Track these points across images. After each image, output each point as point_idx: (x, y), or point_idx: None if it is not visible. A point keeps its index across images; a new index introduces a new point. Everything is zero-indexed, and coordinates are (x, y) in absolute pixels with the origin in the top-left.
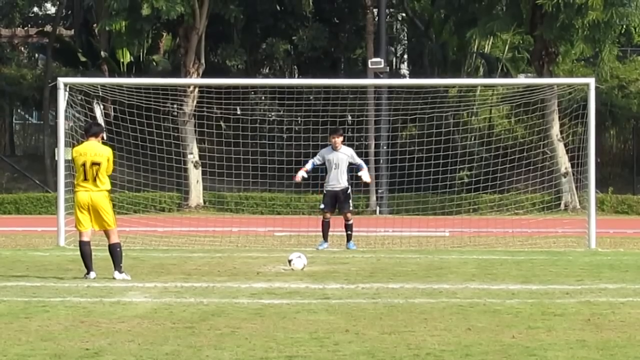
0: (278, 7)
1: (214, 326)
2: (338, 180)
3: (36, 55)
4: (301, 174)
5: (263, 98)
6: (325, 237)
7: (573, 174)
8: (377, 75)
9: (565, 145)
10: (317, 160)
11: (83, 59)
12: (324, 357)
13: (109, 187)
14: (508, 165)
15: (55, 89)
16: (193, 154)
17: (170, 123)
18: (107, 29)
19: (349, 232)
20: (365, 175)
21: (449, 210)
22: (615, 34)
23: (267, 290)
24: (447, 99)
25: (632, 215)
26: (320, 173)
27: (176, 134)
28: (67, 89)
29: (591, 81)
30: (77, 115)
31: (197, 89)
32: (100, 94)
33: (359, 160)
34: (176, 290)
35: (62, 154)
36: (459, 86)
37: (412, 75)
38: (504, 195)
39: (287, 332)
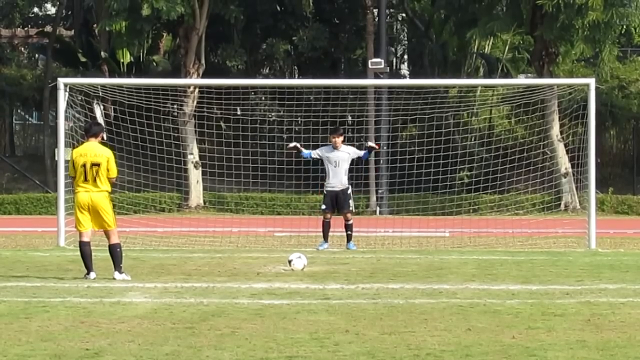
0: (278, 8)
1: (214, 326)
2: (338, 179)
3: (36, 55)
4: (297, 145)
5: (263, 98)
6: (325, 237)
7: (573, 174)
8: (377, 75)
9: (566, 145)
10: (314, 153)
11: (83, 59)
12: (324, 357)
13: (109, 188)
14: (508, 166)
15: (55, 89)
16: (193, 155)
17: (171, 123)
18: (107, 29)
19: (349, 233)
20: (370, 143)
21: (449, 211)
22: (615, 35)
23: (267, 291)
24: (447, 100)
25: (632, 215)
26: (320, 173)
27: (176, 135)
28: (67, 90)
29: (591, 81)
30: (77, 115)
31: (197, 90)
32: (101, 95)
33: (361, 152)
34: (176, 290)
35: (62, 154)
36: (459, 86)
37: (412, 75)
38: (504, 196)
39: (287, 332)
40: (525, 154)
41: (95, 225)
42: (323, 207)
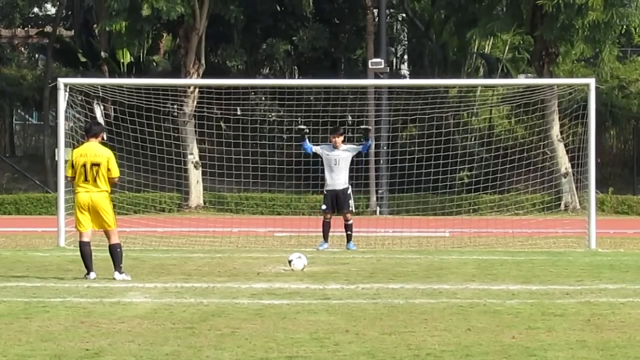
0: (278, 8)
1: (214, 326)
2: (338, 178)
3: (36, 55)
4: (306, 130)
5: (263, 98)
6: (325, 237)
7: (573, 175)
8: (377, 75)
9: (566, 145)
10: (316, 147)
11: (83, 59)
12: (324, 357)
13: (109, 188)
14: (508, 166)
15: (55, 89)
16: (193, 155)
17: (171, 123)
18: (107, 29)
19: (349, 233)
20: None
21: (449, 211)
22: (615, 35)
23: (268, 291)
24: (447, 100)
25: (632, 215)
26: (320, 174)
27: (176, 135)
28: (67, 90)
29: (591, 81)
30: (77, 115)
31: (197, 90)
32: (101, 95)
33: (359, 146)
34: (176, 290)
35: (62, 154)
36: (459, 86)
37: (412, 75)
38: (504, 196)
39: (288, 332)
40: (525, 154)
41: (96, 225)
42: (323, 207)
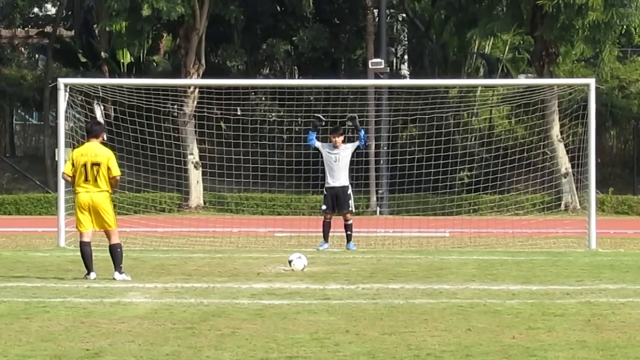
0: (278, 8)
1: (215, 327)
2: (338, 177)
3: (36, 55)
4: (321, 117)
5: (263, 99)
6: (325, 237)
7: (573, 175)
8: (377, 75)
9: (566, 145)
10: (319, 143)
11: (83, 59)
12: (325, 357)
13: (109, 188)
14: (508, 166)
15: (55, 89)
16: (193, 155)
17: (171, 124)
18: (107, 29)
19: (349, 233)
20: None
21: (449, 211)
22: (615, 35)
23: (268, 291)
24: (447, 100)
25: (632, 215)
26: (320, 174)
27: (176, 135)
28: (68, 90)
29: (591, 82)
30: (77, 115)
31: (197, 90)
32: (101, 95)
33: (356, 142)
34: (176, 290)
35: (63, 154)
36: (460, 87)
37: (413, 75)
38: (504, 196)
39: (288, 332)
40: (525, 154)
41: (96, 225)
42: (323, 207)
